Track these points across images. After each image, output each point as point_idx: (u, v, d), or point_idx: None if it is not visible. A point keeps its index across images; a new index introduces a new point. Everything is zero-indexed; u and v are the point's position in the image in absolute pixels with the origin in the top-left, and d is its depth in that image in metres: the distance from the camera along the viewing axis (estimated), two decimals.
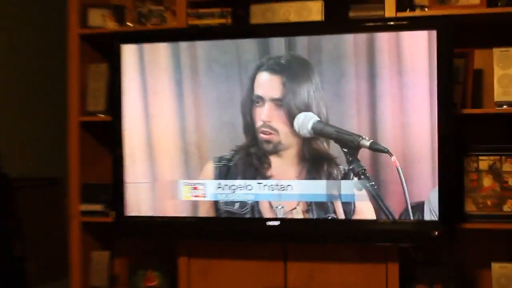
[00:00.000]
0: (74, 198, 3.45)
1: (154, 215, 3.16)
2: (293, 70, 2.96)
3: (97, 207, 3.41)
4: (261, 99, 2.98)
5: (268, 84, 2.99)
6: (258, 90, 2.99)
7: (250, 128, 3.01)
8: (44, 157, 3.71)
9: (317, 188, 2.96)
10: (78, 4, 3.50)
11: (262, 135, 2.98)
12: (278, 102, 2.95)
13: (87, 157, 3.52)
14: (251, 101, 3.00)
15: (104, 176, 3.43)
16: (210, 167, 3.08)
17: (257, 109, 2.98)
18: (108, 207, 3.38)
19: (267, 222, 3.02)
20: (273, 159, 3.00)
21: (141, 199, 3.17)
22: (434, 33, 2.86)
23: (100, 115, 3.46)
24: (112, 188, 3.23)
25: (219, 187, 3.07)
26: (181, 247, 3.26)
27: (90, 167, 3.54)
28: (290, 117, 2.93)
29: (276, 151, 2.98)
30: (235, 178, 3.04)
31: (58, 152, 3.73)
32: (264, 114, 2.96)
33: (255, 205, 3.04)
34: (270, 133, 2.96)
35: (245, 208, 3.05)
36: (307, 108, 2.93)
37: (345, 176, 2.92)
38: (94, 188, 3.45)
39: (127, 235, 3.31)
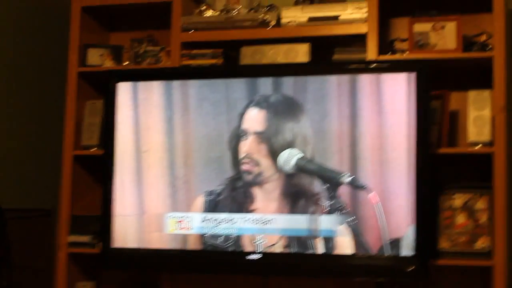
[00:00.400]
0: (63, 229, 3.52)
1: (140, 247, 3.22)
2: (279, 108, 3.06)
3: (85, 239, 3.48)
4: (245, 132, 3.07)
5: (253, 118, 3.09)
6: (244, 124, 3.09)
7: (235, 161, 3.09)
8: (35, 188, 3.80)
9: (299, 222, 3.02)
10: (78, 44, 3.65)
11: (243, 166, 3.06)
12: (260, 136, 3.05)
13: (79, 189, 3.61)
14: (238, 136, 3.09)
15: (94, 208, 3.52)
16: (200, 201, 3.16)
17: (242, 142, 3.08)
18: (95, 238, 3.45)
19: (247, 256, 3.08)
20: (257, 192, 3.08)
21: (128, 231, 3.23)
22: (413, 75, 2.96)
23: (94, 149, 3.57)
24: (101, 220, 3.30)
25: (204, 221, 3.15)
26: (165, 279, 3.33)
27: (81, 199, 3.62)
28: (272, 151, 3.02)
29: (256, 182, 3.06)
30: (223, 211, 3.11)
31: (49, 184, 3.82)
32: (247, 146, 3.06)
33: (238, 239, 3.10)
34: (251, 165, 3.05)
35: (229, 241, 3.11)
36: (289, 144, 3.01)
37: (326, 212, 2.98)
38: (83, 220, 3.52)
39: (113, 267, 3.36)
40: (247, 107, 3.11)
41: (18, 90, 3.72)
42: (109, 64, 3.66)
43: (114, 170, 3.28)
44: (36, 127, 3.84)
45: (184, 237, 3.18)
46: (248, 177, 3.07)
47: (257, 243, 3.07)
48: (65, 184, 3.56)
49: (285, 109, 3.07)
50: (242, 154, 3.07)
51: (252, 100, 3.11)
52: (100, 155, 3.40)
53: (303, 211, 3.02)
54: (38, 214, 3.71)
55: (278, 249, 3.05)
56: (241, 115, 3.11)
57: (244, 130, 3.08)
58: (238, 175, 3.09)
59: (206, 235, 3.13)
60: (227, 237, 3.11)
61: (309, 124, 3.04)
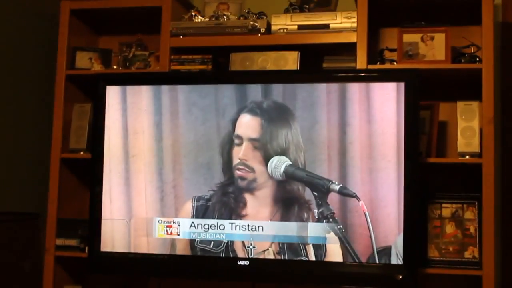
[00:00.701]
0: (51, 232, 3.51)
1: (128, 251, 3.21)
2: (273, 114, 3.06)
3: (72, 242, 3.47)
4: (239, 138, 3.07)
5: (247, 125, 3.09)
6: (238, 130, 3.09)
7: (228, 167, 3.09)
8: (22, 192, 3.76)
9: (289, 230, 3.02)
10: (67, 47, 3.63)
11: (237, 172, 3.06)
12: (256, 143, 3.05)
13: (66, 193, 3.60)
14: (231, 141, 3.09)
15: (81, 211, 3.50)
16: (189, 206, 3.15)
17: (236, 148, 3.08)
18: (83, 242, 3.44)
19: (238, 262, 3.07)
20: (249, 198, 3.08)
21: (116, 235, 3.22)
22: (402, 85, 2.98)
23: (82, 152, 3.56)
24: (88, 223, 3.28)
25: (193, 226, 3.15)
26: (153, 284, 3.32)
27: (69, 203, 3.61)
28: (266, 158, 3.03)
29: (250, 188, 3.06)
30: (212, 217, 3.11)
31: (36, 187, 3.79)
32: (241, 153, 3.06)
33: (229, 244, 3.10)
34: (246, 171, 3.05)
35: (220, 247, 3.11)
36: (284, 151, 3.02)
37: (316, 219, 2.99)
38: (70, 223, 3.51)
39: (100, 271, 3.32)
40: (239, 112, 3.11)
41: (5, 92, 3.68)
42: (97, 67, 3.66)
43: (102, 174, 3.25)
44: (24, 130, 3.81)
45: (173, 242, 3.17)
46: (242, 183, 3.07)
47: (247, 249, 3.07)
48: (52, 187, 3.54)
49: (278, 116, 3.08)
50: (236, 160, 3.07)
51: (245, 106, 3.11)
52: (88, 159, 3.38)
53: (293, 218, 3.03)
54: (25, 217, 3.68)
55: (269, 255, 3.05)
56: (234, 120, 3.11)
57: (238, 136, 3.08)
58: (229, 181, 3.09)
59: (195, 241, 3.13)
60: (216, 243, 3.11)
61: (298, 132, 3.05)
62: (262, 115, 3.07)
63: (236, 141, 3.08)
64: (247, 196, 3.09)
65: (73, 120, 3.61)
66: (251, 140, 3.07)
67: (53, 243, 3.49)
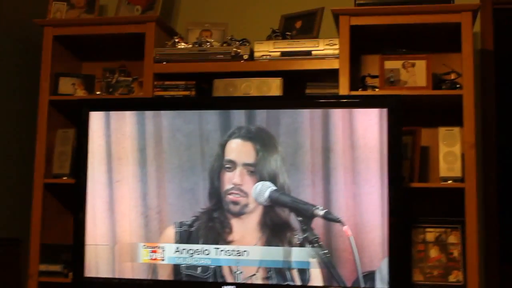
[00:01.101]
0: (34, 258, 3.49)
1: (113, 276, 3.18)
2: (263, 139, 3.07)
3: (56, 268, 3.45)
4: (232, 163, 3.06)
5: (240, 150, 3.08)
6: (231, 155, 3.08)
7: (216, 192, 3.08)
8: (4, 217, 3.73)
9: (274, 255, 3.02)
10: (50, 73, 3.64)
11: (229, 197, 3.05)
12: (251, 167, 3.04)
13: (50, 218, 3.58)
14: (220, 166, 3.08)
15: (65, 236, 3.49)
16: (171, 232, 3.14)
17: (227, 173, 3.07)
18: (67, 267, 3.41)
19: (223, 287, 3.07)
20: (235, 223, 3.07)
21: (100, 260, 3.19)
22: (385, 111, 2.99)
23: (65, 178, 3.55)
24: (72, 249, 3.25)
25: (177, 251, 3.14)
26: None
27: (52, 228, 3.59)
28: (261, 181, 3.03)
29: (240, 213, 3.05)
30: (197, 242, 3.10)
31: (18, 213, 3.77)
32: (236, 178, 3.05)
33: (217, 270, 3.09)
34: (239, 196, 3.04)
35: (207, 272, 3.09)
36: (275, 175, 3.02)
37: (301, 244, 2.99)
38: (54, 248, 3.49)
39: None
40: (229, 137, 3.10)
41: None
42: (81, 93, 3.66)
43: (86, 199, 3.23)
44: (7, 155, 3.78)
45: (157, 267, 3.15)
46: (234, 208, 3.06)
47: (235, 274, 3.06)
48: (36, 212, 3.52)
49: (267, 141, 3.09)
50: (228, 185, 3.06)
51: (233, 131, 3.11)
52: (71, 184, 3.36)
53: (278, 243, 3.03)
54: (6, 243, 3.64)
55: (257, 280, 3.03)
56: (223, 145, 3.10)
57: (231, 161, 3.07)
58: (216, 206, 3.09)
59: (180, 266, 3.11)
60: (205, 268, 3.09)
61: (282, 157, 3.06)
62: (255, 140, 3.08)
63: (228, 165, 3.08)
64: (233, 221, 3.08)
65: (56, 145, 3.61)
66: (246, 165, 3.06)
67: (37, 268, 3.47)
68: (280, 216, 3.03)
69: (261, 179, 3.03)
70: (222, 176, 3.08)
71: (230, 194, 3.06)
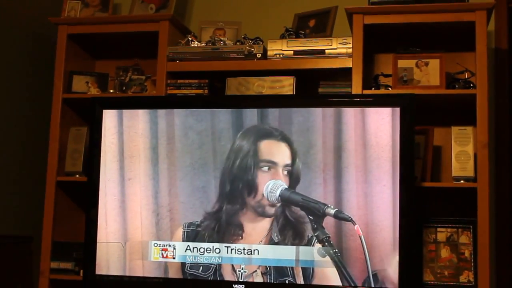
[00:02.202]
0: (46, 255, 3.51)
1: (123, 274, 3.19)
2: (291, 141, 3.06)
3: (67, 265, 3.48)
4: (273, 163, 3.04)
5: (278, 151, 3.07)
6: (268, 156, 3.06)
7: (243, 191, 3.06)
8: (17, 215, 3.76)
9: (285, 253, 3.02)
10: (64, 71, 3.66)
11: (266, 200, 3.03)
12: (289, 168, 3.03)
13: (62, 215, 3.61)
14: (254, 166, 3.05)
15: (76, 234, 3.50)
16: (180, 232, 3.14)
17: (263, 174, 3.05)
18: (78, 265, 3.43)
19: (233, 285, 3.06)
20: (249, 223, 3.06)
21: (111, 258, 3.20)
22: (397, 110, 2.98)
23: (77, 175, 3.57)
24: (84, 246, 3.26)
25: (188, 249, 3.14)
26: None
27: (64, 226, 3.61)
28: (293, 181, 3.03)
29: (272, 215, 3.04)
30: (206, 241, 3.09)
31: (31, 211, 3.79)
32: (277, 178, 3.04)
33: (218, 268, 3.09)
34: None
35: (208, 272, 3.10)
36: (299, 174, 3.02)
37: (312, 243, 2.99)
38: (65, 246, 3.52)
39: None
40: (258, 139, 3.08)
41: (1, 115, 3.69)
42: (94, 91, 3.68)
43: (98, 197, 3.24)
44: (20, 153, 3.81)
45: (168, 266, 3.16)
46: (271, 210, 3.04)
47: (239, 272, 3.07)
48: (48, 210, 3.54)
49: (290, 140, 3.08)
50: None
51: (267, 130, 3.09)
52: (84, 182, 3.38)
53: (289, 242, 3.02)
54: (19, 240, 3.66)
55: (256, 276, 3.04)
56: (254, 143, 3.08)
57: (272, 161, 3.05)
58: (240, 206, 3.07)
59: (189, 264, 3.12)
60: (206, 267, 3.10)
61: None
62: (285, 140, 3.07)
63: (266, 165, 3.06)
64: (244, 221, 3.08)
65: (69, 143, 3.63)
66: (286, 166, 3.04)
67: (48, 266, 3.50)
68: (292, 215, 3.02)
69: (292, 178, 3.02)
70: (259, 175, 3.06)
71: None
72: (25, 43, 3.88)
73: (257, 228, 3.07)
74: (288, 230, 3.03)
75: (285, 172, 3.04)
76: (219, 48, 3.53)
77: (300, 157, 3.05)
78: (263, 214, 3.04)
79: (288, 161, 3.04)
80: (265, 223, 3.05)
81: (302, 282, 3.01)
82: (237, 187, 3.08)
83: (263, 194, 3.02)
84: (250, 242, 3.07)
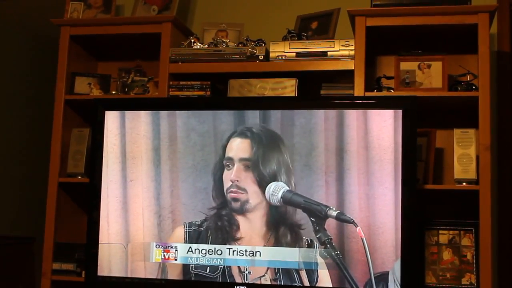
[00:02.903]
0: (47, 256, 3.51)
1: (125, 276, 3.19)
2: (262, 137, 3.06)
3: (69, 266, 3.48)
4: (230, 160, 3.07)
5: (238, 147, 3.08)
6: (229, 153, 3.08)
7: (220, 191, 3.08)
8: (19, 216, 3.76)
9: (286, 255, 3.01)
10: (66, 72, 3.66)
11: (230, 194, 3.05)
12: (247, 162, 3.04)
13: (64, 217, 3.61)
14: (222, 167, 3.08)
15: (79, 236, 3.50)
16: (180, 232, 3.14)
17: (226, 171, 3.07)
18: (80, 266, 3.43)
19: (235, 287, 3.06)
20: (242, 221, 3.06)
21: (113, 259, 3.20)
22: (399, 112, 2.98)
23: (79, 177, 3.57)
24: (86, 248, 3.27)
25: (190, 251, 3.14)
26: None
27: (65, 227, 3.61)
28: (259, 177, 3.02)
29: (243, 210, 3.04)
30: (206, 242, 3.10)
31: (32, 212, 3.80)
32: (233, 174, 3.05)
33: (226, 269, 3.08)
34: (238, 192, 3.04)
35: (216, 272, 3.09)
36: (274, 172, 3.02)
37: (313, 245, 2.99)
38: (68, 247, 3.52)
39: None
40: (229, 138, 3.11)
41: (3, 115, 3.70)
42: (96, 92, 3.68)
43: (100, 198, 3.24)
44: (22, 154, 3.82)
45: (170, 267, 3.15)
46: (236, 205, 3.05)
47: (244, 273, 3.07)
48: (50, 211, 3.54)
49: (268, 139, 3.08)
50: (228, 183, 3.06)
51: (234, 131, 3.12)
52: (86, 183, 3.38)
53: (289, 244, 3.02)
54: (20, 241, 3.67)
55: (265, 281, 3.03)
56: (224, 146, 3.11)
57: (229, 158, 3.08)
58: (222, 205, 3.08)
59: (191, 265, 3.12)
60: (214, 268, 3.09)
61: (295, 158, 3.05)
62: (252, 137, 3.08)
63: (227, 163, 3.08)
64: (241, 221, 3.07)
65: (71, 144, 3.63)
66: (242, 160, 3.06)
67: (50, 267, 3.50)
68: (291, 216, 3.02)
69: (258, 173, 3.02)
70: (223, 174, 3.08)
71: (230, 192, 3.06)
72: (27, 44, 3.89)
73: (256, 230, 3.06)
74: (289, 232, 3.03)
75: (244, 167, 3.04)
76: (221, 50, 3.53)
77: (262, 148, 3.04)
78: (235, 210, 3.05)
79: (245, 155, 3.05)
80: (261, 223, 3.05)
81: (308, 284, 3.01)
82: (217, 188, 3.10)
83: (231, 190, 3.03)
84: (252, 244, 3.06)
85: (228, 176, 3.06)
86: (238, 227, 3.07)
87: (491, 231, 3.07)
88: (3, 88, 3.71)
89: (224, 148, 3.10)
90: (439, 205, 3.37)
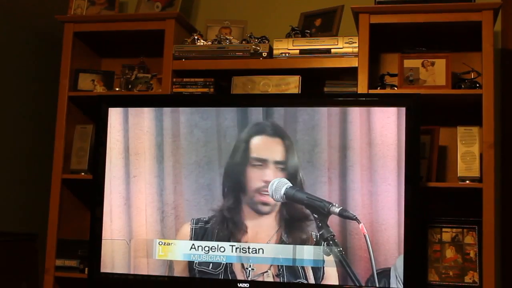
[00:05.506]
0: (51, 253, 3.52)
1: (128, 272, 3.20)
2: (285, 135, 3.06)
3: (72, 263, 3.48)
4: (262, 161, 3.04)
5: (268, 147, 3.08)
6: (261, 153, 3.06)
7: (238, 187, 3.06)
8: (22, 212, 3.77)
9: (289, 252, 3.02)
10: (70, 69, 3.66)
11: (259, 197, 3.04)
12: (281, 165, 3.03)
13: (67, 213, 3.61)
14: (244, 162, 3.07)
15: (82, 232, 3.51)
16: (187, 228, 3.14)
17: (257, 170, 3.06)
18: (83, 263, 3.44)
19: (238, 284, 3.06)
20: (252, 221, 3.06)
21: (116, 256, 3.21)
22: (403, 110, 2.98)
23: (83, 173, 3.57)
24: (89, 244, 3.27)
25: (193, 248, 3.14)
26: None
27: (69, 223, 3.62)
28: (287, 177, 3.01)
29: (266, 212, 3.04)
30: (211, 240, 3.10)
31: (35, 208, 3.80)
32: (267, 176, 3.03)
33: (228, 266, 3.09)
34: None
35: (219, 268, 3.10)
36: (296, 171, 3.02)
37: (316, 242, 2.99)
38: (71, 244, 3.52)
39: None
40: (253, 134, 3.09)
41: (7, 111, 3.71)
42: (100, 89, 3.68)
43: (103, 195, 3.24)
44: (26, 150, 3.83)
45: (173, 264, 3.16)
46: (264, 208, 3.04)
47: (247, 270, 3.07)
48: (53, 207, 3.55)
49: (287, 136, 3.08)
50: (259, 183, 3.04)
51: (257, 127, 3.10)
52: (89, 180, 3.38)
53: (293, 241, 3.03)
54: (24, 238, 3.68)
55: (268, 278, 3.03)
56: (246, 141, 3.09)
57: (261, 158, 3.05)
58: (235, 204, 3.07)
59: (195, 262, 3.12)
60: (216, 264, 3.09)
61: (299, 154, 3.05)
62: (281, 136, 3.07)
63: (258, 163, 3.06)
64: (249, 219, 3.07)
65: (75, 141, 3.63)
66: (277, 163, 3.04)
67: (53, 263, 3.50)
68: (296, 214, 3.02)
69: (288, 176, 3.00)
70: (250, 172, 3.06)
71: (261, 193, 3.03)
72: (31, 41, 3.89)
73: (262, 227, 3.06)
74: (293, 229, 3.03)
75: (277, 169, 3.03)
76: (225, 46, 3.53)
77: (297, 153, 3.04)
78: (261, 212, 3.04)
79: (279, 158, 3.04)
80: (270, 221, 3.05)
81: (313, 282, 3.00)
82: (232, 185, 3.09)
83: (262, 192, 3.01)
84: (255, 240, 3.06)
85: (260, 176, 3.04)
86: (246, 226, 3.07)
87: (494, 229, 3.06)
88: (7, 84, 3.71)
89: (247, 143, 3.08)
90: (442, 203, 3.37)
